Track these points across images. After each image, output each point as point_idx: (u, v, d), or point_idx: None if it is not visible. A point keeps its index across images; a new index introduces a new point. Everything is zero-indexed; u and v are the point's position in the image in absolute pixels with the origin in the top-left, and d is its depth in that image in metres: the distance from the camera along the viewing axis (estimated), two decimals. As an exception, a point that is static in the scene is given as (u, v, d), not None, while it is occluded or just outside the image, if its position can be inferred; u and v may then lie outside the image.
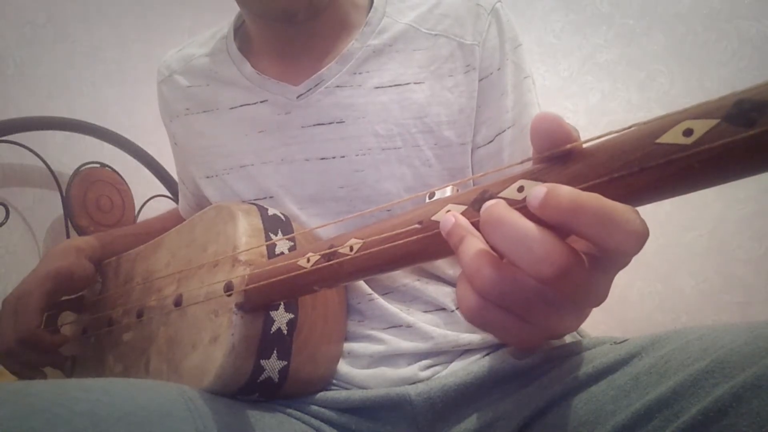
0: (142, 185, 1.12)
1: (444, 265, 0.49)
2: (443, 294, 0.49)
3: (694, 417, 0.30)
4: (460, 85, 0.49)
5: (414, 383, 0.45)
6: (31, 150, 0.93)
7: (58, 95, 1.05)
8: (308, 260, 0.31)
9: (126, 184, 1.08)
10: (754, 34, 1.03)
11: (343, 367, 0.47)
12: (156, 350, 0.45)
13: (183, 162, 0.59)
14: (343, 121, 0.49)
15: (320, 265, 0.31)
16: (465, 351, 0.48)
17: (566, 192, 0.19)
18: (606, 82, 1.14)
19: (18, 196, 0.95)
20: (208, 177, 0.54)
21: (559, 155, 0.21)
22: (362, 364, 0.47)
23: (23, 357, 0.49)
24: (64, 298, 0.56)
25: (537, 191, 0.20)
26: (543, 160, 0.22)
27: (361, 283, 0.48)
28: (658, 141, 0.18)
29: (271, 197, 0.50)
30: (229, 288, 0.38)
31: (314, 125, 0.50)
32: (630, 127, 0.20)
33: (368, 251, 0.28)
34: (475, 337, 0.47)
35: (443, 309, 0.49)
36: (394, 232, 0.26)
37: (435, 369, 0.46)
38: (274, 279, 0.34)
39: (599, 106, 1.15)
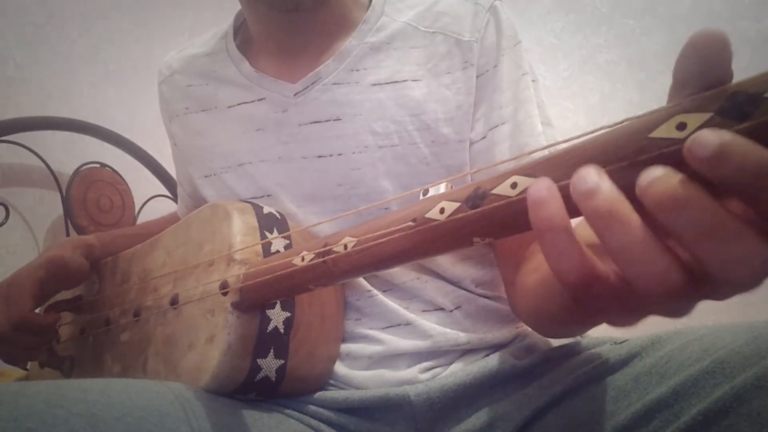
0: (142, 185, 1.12)
1: (445, 263, 0.49)
2: (443, 293, 0.49)
3: (695, 417, 0.30)
4: (458, 81, 0.49)
5: (413, 384, 0.45)
6: (31, 150, 0.93)
7: (58, 95, 1.05)
8: (303, 258, 0.31)
9: (126, 184, 1.08)
10: (754, 34, 1.02)
11: (342, 369, 0.46)
12: (153, 350, 0.44)
13: (182, 163, 0.59)
14: (340, 119, 0.49)
15: (314, 264, 0.30)
16: (465, 352, 0.48)
17: (749, 148, 0.15)
18: (606, 82, 1.14)
19: (18, 196, 0.95)
20: (206, 176, 0.54)
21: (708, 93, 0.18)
22: (361, 365, 0.47)
23: (18, 342, 0.49)
24: (61, 298, 0.56)
25: (704, 140, 0.16)
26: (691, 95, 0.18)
27: (360, 280, 0.48)
28: (651, 135, 0.18)
29: (269, 196, 0.50)
30: (224, 287, 0.38)
31: (311, 123, 0.50)
32: (623, 122, 0.19)
33: (362, 249, 0.28)
34: (474, 336, 0.47)
35: (442, 309, 0.48)
36: (387, 230, 0.26)
37: (435, 371, 0.46)
38: (268, 278, 0.34)
39: (599, 106, 1.15)
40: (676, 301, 0.18)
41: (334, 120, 0.49)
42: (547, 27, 1.18)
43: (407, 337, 0.46)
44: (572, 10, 1.17)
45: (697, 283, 0.18)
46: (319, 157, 0.49)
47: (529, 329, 0.51)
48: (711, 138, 0.16)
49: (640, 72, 1.11)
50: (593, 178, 0.18)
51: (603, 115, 1.14)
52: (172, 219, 0.69)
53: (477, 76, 0.49)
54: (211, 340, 0.38)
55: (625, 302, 0.20)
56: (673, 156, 0.18)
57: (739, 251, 0.16)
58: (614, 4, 1.14)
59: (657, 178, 0.17)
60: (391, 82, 0.49)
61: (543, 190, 0.19)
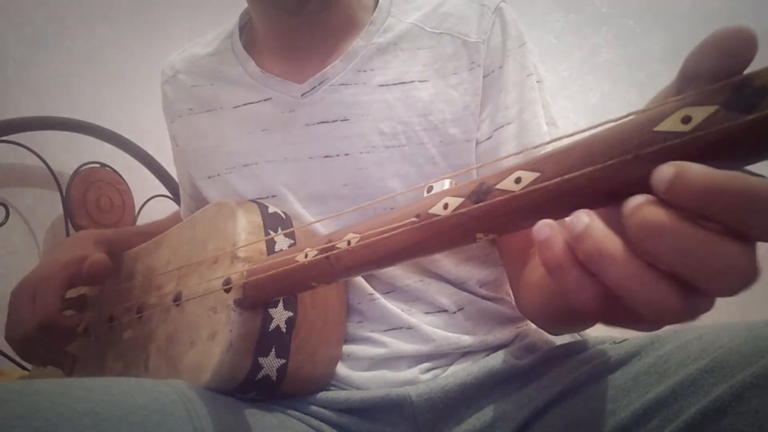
0: (142, 185, 1.12)
1: (447, 264, 0.49)
2: (446, 295, 0.49)
3: (694, 417, 0.30)
4: (465, 82, 0.49)
5: (415, 385, 0.45)
6: (31, 150, 0.93)
7: (58, 95, 1.05)
8: (306, 255, 0.31)
9: (126, 184, 1.08)
10: (754, 34, 1.03)
11: (343, 369, 0.47)
12: (155, 348, 0.44)
13: (183, 164, 0.59)
14: (348, 119, 0.49)
15: (317, 260, 0.30)
16: (465, 353, 0.48)
17: (698, 173, 0.16)
18: (606, 82, 1.14)
19: (18, 196, 0.95)
20: (209, 177, 0.54)
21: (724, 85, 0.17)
22: (362, 366, 0.47)
23: (40, 343, 0.48)
24: (68, 296, 0.55)
25: (662, 173, 0.17)
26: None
27: (363, 282, 0.48)
28: (656, 129, 0.18)
29: (274, 196, 0.50)
30: (227, 284, 0.38)
31: (318, 123, 0.50)
32: (628, 116, 0.19)
33: (365, 245, 0.28)
34: (476, 339, 0.47)
35: (445, 311, 0.48)
36: (391, 226, 0.26)
37: (435, 372, 0.46)
38: (271, 275, 0.34)
39: (599, 106, 1.15)
40: (681, 319, 0.19)
41: (341, 120, 0.49)
42: (547, 27, 1.19)
43: (409, 341, 0.47)
44: (572, 10, 1.17)
45: (694, 296, 0.18)
46: (326, 157, 0.49)
47: (530, 329, 0.51)
48: (666, 170, 0.17)
49: (640, 72, 1.11)
50: (583, 221, 0.19)
51: (603, 115, 1.14)
52: (179, 219, 0.69)
53: (483, 77, 0.50)
54: (212, 338, 0.38)
55: (640, 318, 0.21)
56: (677, 149, 0.18)
57: (720, 266, 0.17)
58: (614, 4, 1.14)
59: (634, 207, 0.18)
60: (399, 83, 0.49)
61: (544, 228, 0.20)
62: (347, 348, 0.47)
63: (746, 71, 0.17)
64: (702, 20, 1.06)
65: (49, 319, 0.46)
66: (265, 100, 0.52)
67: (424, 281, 0.48)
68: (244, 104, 0.52)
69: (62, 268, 0.48)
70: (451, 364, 0.47)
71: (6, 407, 0.27)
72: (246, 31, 0.57)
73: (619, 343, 0.42)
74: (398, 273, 0.48)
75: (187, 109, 0.56)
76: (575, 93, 1.17)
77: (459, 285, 0.50)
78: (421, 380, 0.45)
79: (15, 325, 0.48)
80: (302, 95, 0.50)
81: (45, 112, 0.96)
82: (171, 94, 0.58)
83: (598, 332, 0.44)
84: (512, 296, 0.52)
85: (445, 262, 0.49)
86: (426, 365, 0.46)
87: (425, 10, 0.52)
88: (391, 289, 0.48)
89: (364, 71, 0.50)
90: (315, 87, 0.50)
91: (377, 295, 0.48)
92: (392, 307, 0.47)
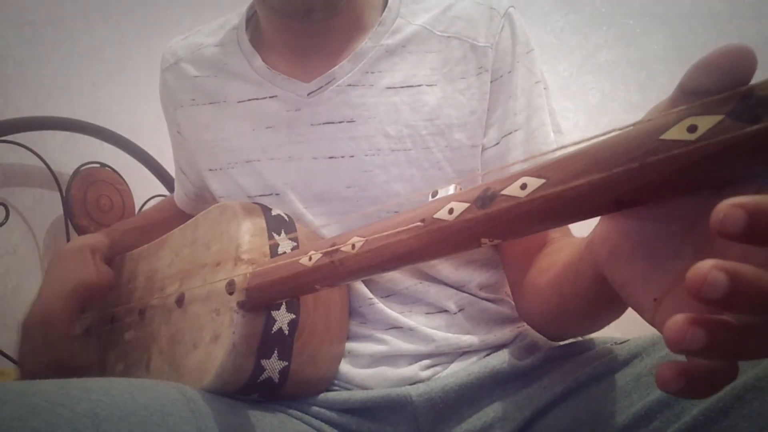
0: (142, 185, 1.12)
1: (447, 268, 0.49)
2: (445, 296, 0.49)
3: (695, 418, 0.30)
4: (472, 87, 0.49)
5: (414, 383, 0.45)
6: (31, 150, 0.93)
7: (58, 95, 1.05)
8: (310, 258, 0.31)
9: (126, 184, 1.08)
10: (755, 34, 1.03)
11: (344, 366, 0.47)
12: (157, 349, 0.45)
13: (188, 152, 0.58)
14: (354, 121, 0.49)
15: (322, 264, 0.31)
16: (465, 352, 0.48)
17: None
18: (606, 82, 1.14)
19: (18, 196, 0.95)
20: (211, 170, 0.53)
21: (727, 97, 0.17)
22: (363, 363, 0.47)
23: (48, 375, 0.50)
24: None
25: (726, 213, 0.14)
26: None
27: (362, 287, 0.48)
28: (662, 137, 0.18)
29: (276, 194, 0.50)
30: (231, 286, 0.38)
31: (324, 123, 0.49)
32: (634, 125, 0.19)
33: (370, 249, 0.28)
34: (475, 339, 0.48)
35: (445, 311, 0.49)
36: (396, 230, 0.26)
37: (435, 369, 0.46)
38: (275, 277, 0.34)
39: (599, 106, 1.15)
40: None
41: (347, 122, 0.49)
42: (547, 27, 1.18)
43: (409, 341, 0.47)
44: (572, 10, 1.17)
45: None
46: (330, 158, 0.49)
47: (531, 329, 0.51)
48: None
49: (640, 72, 1.11)
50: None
51: (603, 115, 1.14)
52: (168, 206, 0.69)
53: (491, 81, 0.49)
54: (215, 340, 0.38)
55: None
56: (683, 158, 0.18)
57: None
58: (614, 4, 1.14)
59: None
60: (406, 86, 0.49)
61: (664, 372, 0.17)
62: (349, 345, 0.48)
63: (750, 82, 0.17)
64: (702, 20, 1.06)
65: (61, 361, 0.48)
66: (270, 97, 0.51)
67: (424, 284, 0.49)
68: (249, 100, 0.52)
69: (67, 300, 0.49)
70: (451, 362, 0.47)
71: (6, 408, 0.27)
72: (252, 24, 0.56)
73: (620, 343, 0.43)
74: (397, 276, 0.48)
75: (190, 100, 0.55)
76: (575, 93, 1.17)
77: (459, 288, 0.50)
78: (421, 377, 0.45)
79: (30, 363, 0.50)
80: (308, 94, 0.50)
81: (45, 112, 0.96)
82: (172, 83, 0.57)
83: (600, 333, 0.44)
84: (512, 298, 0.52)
85: (444, 265, 0.49)
86: (426, 362, 0.46)
87: (434, 13, 0.51)
88: (390, 293, 0.49)
89: (371, 73, 0.49)
90: (322, 87, 0.50)
91: (376, 299, 0.48)
92: (391, 311, 0.47)
